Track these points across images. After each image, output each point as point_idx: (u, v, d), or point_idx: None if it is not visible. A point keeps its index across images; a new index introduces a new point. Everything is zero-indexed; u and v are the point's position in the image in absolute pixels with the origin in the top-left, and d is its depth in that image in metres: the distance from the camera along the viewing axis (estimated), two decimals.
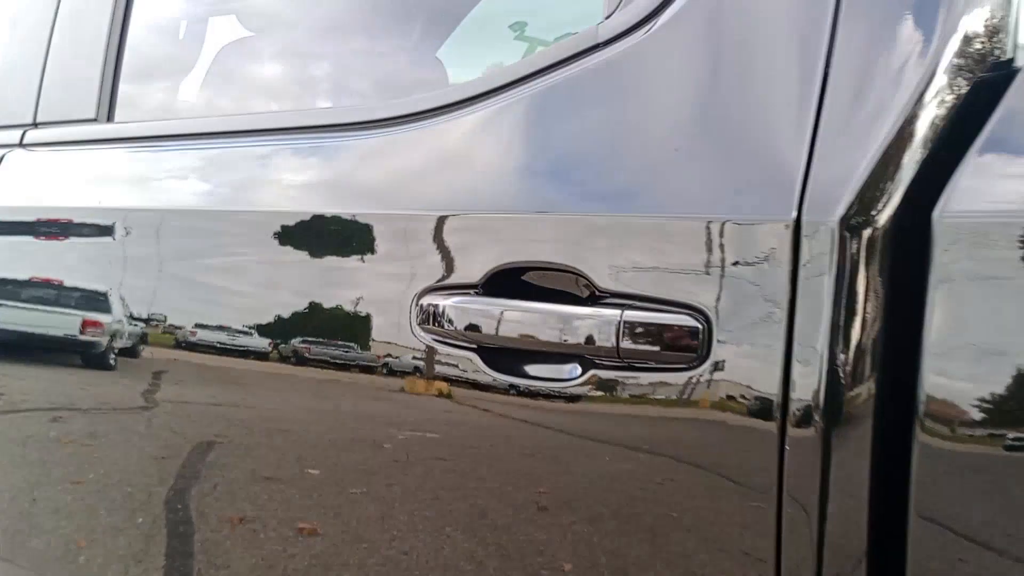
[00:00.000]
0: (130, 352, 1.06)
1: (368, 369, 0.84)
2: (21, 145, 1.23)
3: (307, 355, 0.88)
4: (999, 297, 0.58)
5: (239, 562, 1.00)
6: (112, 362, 1.08)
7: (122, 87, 1.21)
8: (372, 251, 0.85)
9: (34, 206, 1.17)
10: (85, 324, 1.10)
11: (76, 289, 1.14)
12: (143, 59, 1.23)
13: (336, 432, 0.89)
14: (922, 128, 0.62)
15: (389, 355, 0.83)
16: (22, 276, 1.19)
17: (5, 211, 1.18)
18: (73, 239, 1.15)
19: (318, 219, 0.88)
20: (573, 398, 0.73)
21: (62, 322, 1.11)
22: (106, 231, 1.08)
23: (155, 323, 1.03)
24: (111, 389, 1.11)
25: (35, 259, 1.19)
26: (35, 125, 1.24)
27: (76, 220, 1.13)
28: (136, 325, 1.04)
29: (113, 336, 1.06)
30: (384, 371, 0.83)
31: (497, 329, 0.75)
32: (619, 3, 0.77)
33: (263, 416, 0.95)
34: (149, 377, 1.05)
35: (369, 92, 1.12)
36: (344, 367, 0.86)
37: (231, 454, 0.97)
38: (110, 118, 1.18)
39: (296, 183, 0.96)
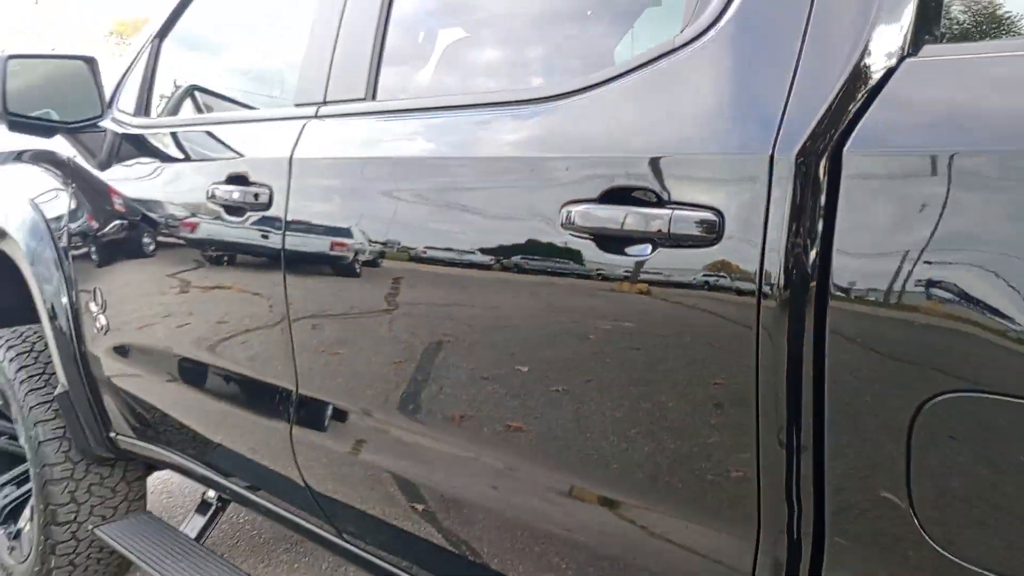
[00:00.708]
0: (373, 263, 1.61)
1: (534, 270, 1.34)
2: (316, 117, 1.82)
3: (508, 262, 1.38)
4: (880, 208, 1.00)
5: (450, 459, 1.51)
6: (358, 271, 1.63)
7: (381, 74, 1.76)
8: (539, 183, 1.34)
9: (326, 157, 1.75)
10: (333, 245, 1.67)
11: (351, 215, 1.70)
12: (396, 54, 1.78)
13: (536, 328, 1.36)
14: (844, 95, 1.04)
15: (537, 253, 1.32)
16: (318, 206, 1.78)
17: (311, 160, 1.77)
18: (348, 180, 1.72)
19: (521, 161, 1.38)
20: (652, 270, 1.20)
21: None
22: (369, 174, 1.65)
23: (395, 242, 1.58)
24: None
25: (324, 195, 1.77)
26: (325, 103, 1.82)
27: (350, 168, 1.70)
28: (377, 244, 1.59)
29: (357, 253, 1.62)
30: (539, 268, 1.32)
31: (606, 224, 1.23)
32: (688, 23, 1.22)
33: (484, 315, 1.45)
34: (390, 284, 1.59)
35: (552, 73, 1.60)
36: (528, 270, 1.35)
37: (456, 353, 1.48)
38: (374, 97, 1.74)
39: (509, 140, 1.45)
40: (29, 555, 2.94)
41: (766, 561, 1.14)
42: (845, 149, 1.02)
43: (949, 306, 0.93)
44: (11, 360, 2.85)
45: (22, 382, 2.81)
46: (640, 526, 1.29)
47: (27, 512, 3.03)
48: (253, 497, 2.21)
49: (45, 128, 2.44)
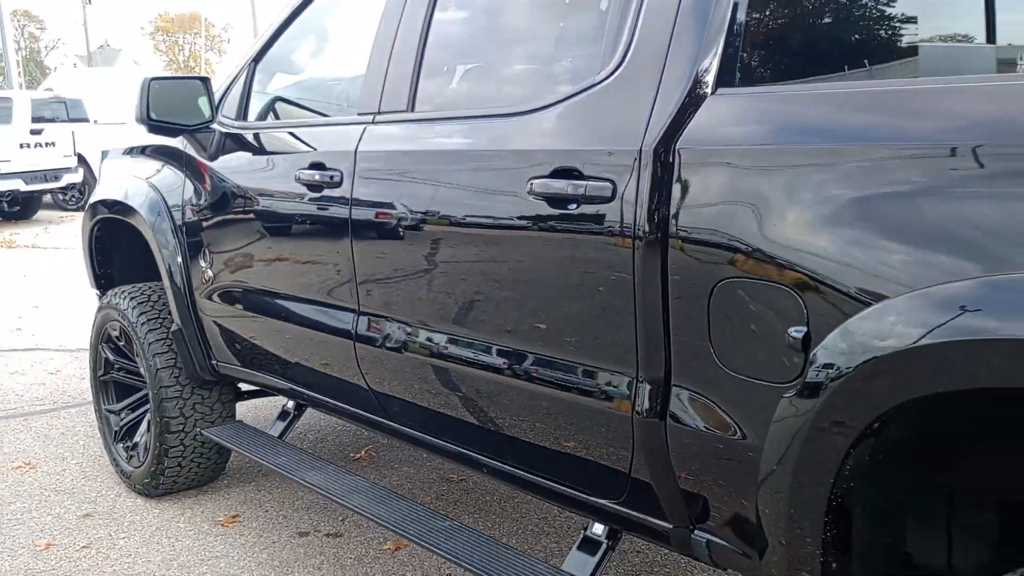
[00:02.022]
0: (410, 223, 2.41)
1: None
2: (373, 123, 2.63)
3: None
4: (694, 178, 1.78)
5: (459, 349, 2.32)
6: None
7: (418, 94, 2.56)
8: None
9: (380, 150, 2.56)
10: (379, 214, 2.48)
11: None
12: (428, 80, 2.58)
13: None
14: (677, 115, 1.83)
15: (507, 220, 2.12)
16: (375, 185, 2.58)
17: (370, 152, 2.58)
18: (394, 166, 2.52)
19: (505, 152, 2.18)
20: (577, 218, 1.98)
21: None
22: (408, 162, 2.45)
23: (423, 208, 2.38)
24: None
25: (379, 177, 2.57)
26: (380, 112, 2.62)
27: (396, 157, 2.51)
28: (414, 211, 2.39)
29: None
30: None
31: (553, 190, 2.02)
32: (600, 70, 2.01)
33: (480, 252, 2.26)
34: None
35: (525, 96, 2.39)
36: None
37: (462, 278, 2.28)
38: (412, 109, 2.54)
39: (498, 138, 2.24)
40: (145, 461, 3.79)
41: (641, 388, 1.93)
42: (676, 145, 1.81)
43: (723, 236, 1.71)
44: (134, 308, 3.71)
45: (143, 324, 3.66)
46: (572, 371, 2.08)
47: (143, 427, 3.89)
48: (322, 398, 3.03)
49: (174, 130, 3.29)
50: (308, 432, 4.64)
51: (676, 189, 1.81)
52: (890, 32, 2.21)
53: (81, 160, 15.34)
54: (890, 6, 2.21)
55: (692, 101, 1.83)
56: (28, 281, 9.54)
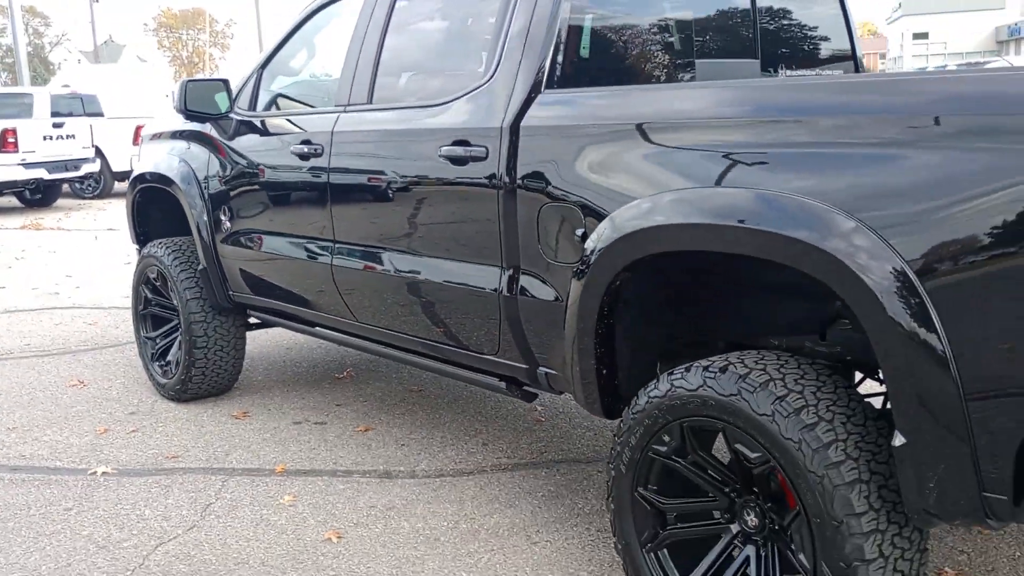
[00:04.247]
0: (369, 182, 3.57)
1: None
2: (345, 112, 3.79)
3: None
4: (529, 145, 2.93)
5: (393, 261, 3.50)
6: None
7: (375, 91, 3.71)
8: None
9: (350, 130, 3.71)
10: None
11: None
12: (382, 81, 3.73)
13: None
14: (523, 105, 2.98)
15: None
16: (347, 156, 3.74)
17: (343, 132, 3.73)
18: (358, 142, 3.68)
19: (427, 130, 3.34)
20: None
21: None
22: (368, 139, 3.61)
23: (376, 170, 3.54)
24: None
25: (350, 150, 3.73)
26: (349, 104, 3.78)
27: (360, 136, 3.66)
28: (371, 173, 3.56)
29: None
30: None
31: (453, 154, 3.18)
32: (484, 75, 3.16)
33: (406, 196, 3.42)
34: None
35: (440, 91, 3.54)
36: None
37: (391, 214, 3.46)
38: (371, 102, 3.70)
39: (423, 120, 3.38)
40: (176, 373, 4.96)
41: (503, 277, 3.08)
42: (520, 124, 2.97)
43: (543, 178, 2.87)
44: (170, 255, 4.88)
45: (176, 266, 4.83)
46: (465, 268, 3.24)
47: (174, 348, 5.06)
48: (308, 311, 4.19)
49: (202, 117, 4.45)
50: (303, 360, 5.81)
51: (519, 152, 2.97)
52: (671, 54, 3.37)
53: (97, 152, 16.53)
54: (673, 36, 3.36)
55: (530, 98, 2.99)
56: (58, 256, 10.71)
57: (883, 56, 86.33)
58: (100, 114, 17.26)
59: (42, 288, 8.70)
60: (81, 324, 7.10)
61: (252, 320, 4.96)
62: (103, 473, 4.08)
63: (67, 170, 15.72)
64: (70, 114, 16.35)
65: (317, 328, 4.29)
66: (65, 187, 17.25)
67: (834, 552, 2.20)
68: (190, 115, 4.39)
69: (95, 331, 6.85)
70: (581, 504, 3.63)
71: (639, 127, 2.65)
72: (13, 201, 16.96)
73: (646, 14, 3.33)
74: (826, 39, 3.84)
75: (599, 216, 2.71)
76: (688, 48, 3.36)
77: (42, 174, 15.23)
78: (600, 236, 2.67)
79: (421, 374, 5.30)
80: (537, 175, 2.92)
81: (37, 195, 16.42)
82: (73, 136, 15.77)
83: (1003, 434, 1.98)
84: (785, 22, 3.70)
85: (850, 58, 3.89)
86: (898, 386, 2.09)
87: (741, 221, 2.31)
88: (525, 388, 3.31)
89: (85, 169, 16.10)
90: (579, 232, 2.79)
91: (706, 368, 2.44)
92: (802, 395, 2.30)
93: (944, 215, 2.00)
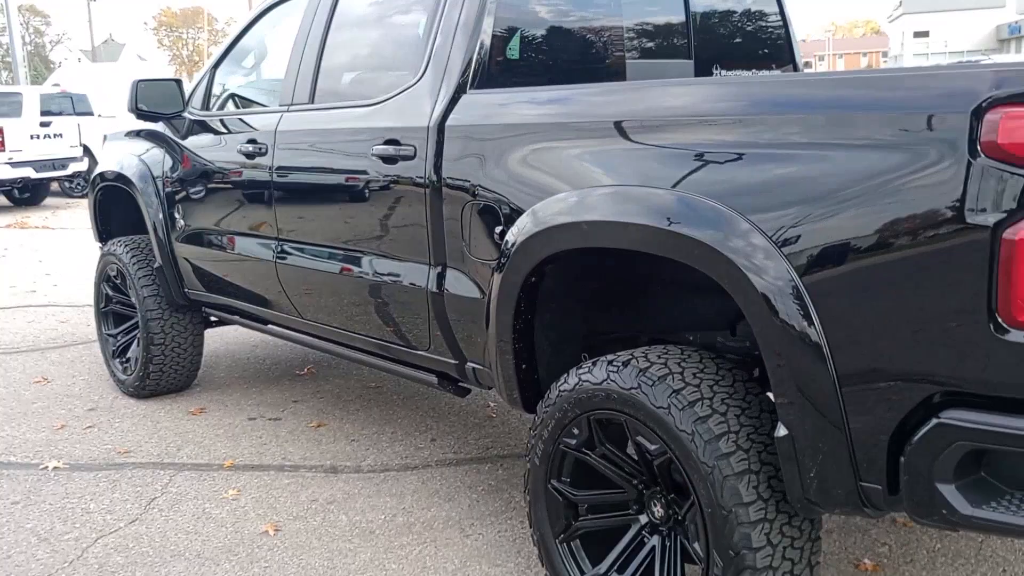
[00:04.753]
0: (308, 179, 3.64)
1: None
2: (288, 111, 3.84)
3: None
4: (452, 143, 2.99)
5: (329, 257, 3.56)
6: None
7: (317, 91, 3.77)
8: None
9: (292, 130, 3.77)
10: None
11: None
12: (324, 83, 3.79)
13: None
14: (448, 106, 3.04)
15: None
16: (288, 154, 3.80)
17: (285, 131, 3.79)
18: (299, 140, 3.74)
19: (361, 129, 3.40)
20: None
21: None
22: (308, 137, 3.67)
23: (314, 166, 3.60)
24: None
25: (290, 148, 3.79)
26: (292, 104, 3.84)
27: (300, 134, 3.72)
28: (310, 170, 3.62)
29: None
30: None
31: (384, 153, 3.24)
32: (412, 78, 3.22)
33: (341, 192, 3.48)
34: None
35: (374, 92, 3.59)
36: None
37: (326, 210, 3.52)
38: (313, 102, 3.76)
39: (357, 119, 3.45)
40: (135, 370, 5.02)
41: (432, 274, 3.14)
42: (445, 124, 3.02)
43: (466, 177, 2.92)
44: (128, 253, 4.94)
45: (134, 264, 4.88)
46: (397, 265, 3.29)
47: (134, 345, 5.11)
48: (256, 308, 4.25)
49: (155, 117, 4.51)
50: (267, 357, 5.87)
51: (445, 151, 3.03)
52: (602, 55, 3.42)
53: (86, 151, 16.58)
54: (604, 38, 3.41)
55: (454, 99, 3.05)
56: (40, 255, 10.76)
57: (885, 54, 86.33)
58: (90, 113, 17.31)
59: (20, 286, 8.76)
60: (54, 322, 7.16)
61: (213, 318, 5.02)
62: (54, 468, 4.14)
63: (55, 169, 15.77)
64: (60, 113, 16.41)
65: (269, 326, 4.35)
66: (54, 186, 17.30)
67: (723, 540, 2.26)
68: (141, 115, 4.45)
69: (66, 328, 6.91)
70: (518, 498, 3.68)
71: (551, 127, 2.71)
72: (2, 200, 17.01)
73: (576, 16, 3.38)
74: (764, 39, 3.90)
75: (517, 213, 2.77)
76: (619, 49, 3.42)
77: (29, 173, 15.29)
78: (516, 233, 2.73)
79: (380, 371, 5.35)
80: (461, 173, 2.98)
81: (25, 194, 16.48)
82: (61, 135, 15.83)
83: (876, 425, 2.04)
84: (721, 23, 3.76)
85: (789, 58, 3.94)
86: (779, 378, 2.15)
87: (636, 219, 2.37)
88: (459, 384, 3.37)
89: (73, 168, 16.15)
90: (498, 229, 2.84)
91: (610, 362, 2.50)
92: (698, 389, 2.36)
93: (820, 215, 2.07)
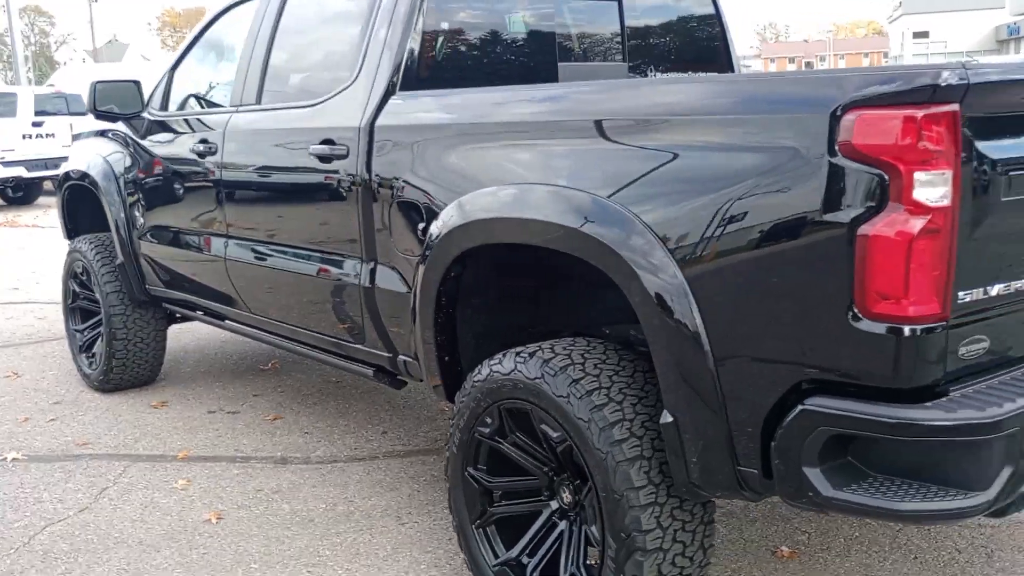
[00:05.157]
0: (253, 176, 3.74)
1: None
2: (237, 112, 3.95)
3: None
4: (383, 143, 3.09)
5: (273, 253, 3.67)
6: None
7: (263, 93, 3.88)
8: None
9: (240, 129, 3.88)
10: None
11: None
12: (270, 84, 3.89)
13: None
14: (378, 108, 3.14)
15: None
16: (236, 153, 3.91)
17: (233, 131, 3.89)
18: (246, 139, 3.84)
19: (299, 129, 3.51)
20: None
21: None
22: (255, 136, 3.77)
23: (258, 164, 3.70)
24: None
25: (239, 147, 3.89)
26: (241, 105, 3.94)
27: (247, 133, 3.82)
28: (256, 168, 3.73)
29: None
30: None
31: (321, 153, 3.34)
32: (348, 79, 3.33)
33: (279, 187, 3.59)
34: None
35: (312, 93, 3.70)
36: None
37: (270, 207, 3.63)
38: (259, 103, 3.86)
39: (297, 119, 3.56)
40: (99, 364, 5.12)
41: (364, 269, 3.24)
42: (375, 125, 3.13)
43: (392, 175, 3.03)
44: (92, 250, 5.04)
45: (98, 261, 4.99)
46: (333, 260, 3.39)
47: (100, 341, 5.22)
48: (210, 303, 4.35)
49: (113, 116, 4.62)
50: (235, 352, 5.98)
51: (375, 150, 3.13)
52: (533, 57, 3.52)
53: None
54: (536, 40, 3.51)
55: (384, 100, 3.15)
56: (26, 253, 10.88)
57: (886, 55, 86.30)
58: (85, 113, 17.43)
59: (3, 284, 8.88)
60: (32, 319, 7.27)
61: (177, 315, 5.11)
62: (13, 459, 4.25)
63: (47, 168, 15.88)
64: (56, 113, 16.52)
65: (227, 321, 4.45)
66: (47, 185, 17.42)
67: (616, 523, 2.36)
68: (99, 115, 4.55)
69: (43, 325, 7.02)
70: None
71: (463, 128, 2.82)
72: None
73: (507, 19, 3.48)
74: (700, 41, 4.00)
75: (438, 211, 2.87)
76: (551, 51, 3.52)
77: (21, 172, 15.43)
78: (435, 231, 2.83)
79: None
80: (388, 172, 3.08)
81: (18, 193, 16.61)
82: (53, 135, 15.96)
83: (751, 412, 2.14)
84: (655, 25, 3.86)
85: (725, 59, 4.04)
86: (663, 366, 2.25)
87: (533, 215, 2.47)
88: (396, 376, 3.47)
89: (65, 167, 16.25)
90: (421, 226, 2.95)
91: (518, 354, 2.60)
92: (597, 379, 2.45)
93: (700, 212, 2.17)
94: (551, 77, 3.50)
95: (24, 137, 15.53)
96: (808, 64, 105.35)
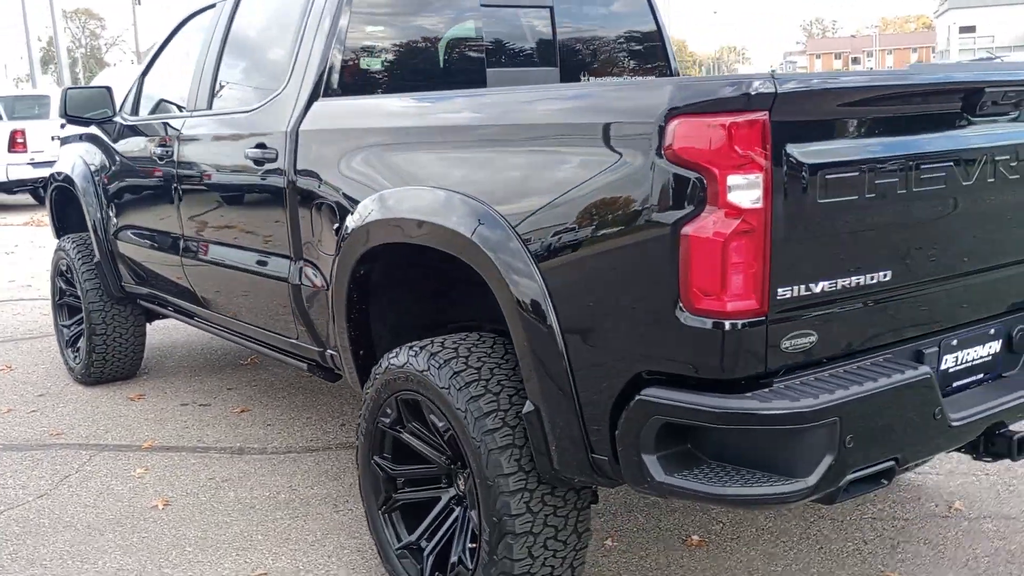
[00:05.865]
0: (203, 177, 3.92)
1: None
2: (191, 116, 4.13)
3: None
4: (310, 143, 3.25)
5: (221, 254, 3.84)
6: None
7: (214, 101, 4.05)
8: None
9: (191, 134, 4.06)
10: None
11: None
12: (219, 91, 4.07)
13: None
14: (303, 113, 3.29)
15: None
16: (189, 154, 4.09)
17: (187, 135, 4.08)
18: (197, 144, 4.02)
19: (239, 135, 3.68)
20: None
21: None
22: (204, 141, 3.95)
23: (209, 164, 3.88)
24: None
25: (191, 149, 4.08)
26: (195, 110, 4.13)
27: (198, 138, 4.00)
28: (205, 168, 3.90)
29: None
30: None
31: (256, 157, 3.50)
32: (279, 86, 3.48)
33: (223, 187, 3.76)
34: None
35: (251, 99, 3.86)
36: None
37: (217, 206, 3.81)
38: (210, 108, 4.04)
39: (237, 125, 3.73)
40: (82, 358, 5.35)
41: (293, 267, 3.40)
42: (299, 129, 3.28)
43: (314, 176, 3.18)
44: (74, 249, 5.27)
45: (78, 259, 5.21)
46: (267, 259, 3.56)
47: (82, 337, 5.44)
48: (173, 299, 4.54)
49: (85, 121, 4.83)
50: (220, 348, 6.18)
51: (299, 153, 3.29)
52: (459, 63, 3.65)
53: None
54: (463, 47, 3.64)
55: (308, 106, 3.31)
56: (45, 252, 11.21)
57: (933, 50, 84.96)
58: None
59: (19, 281, 9.20)
60: (37, 315, 7.54)
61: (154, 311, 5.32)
62: None
63: None
64: None
65: (195, 318, 4.64)
66: None
67: (489, 508, 2.49)
68: (71, 120, 4.77)
69: (45, 321, 7.27)
70: None
71: (372, 131, 2.97)
72: (27, 198, 17.62)
73: (432, 26, 3.62)
74: (636, 45, 4.10)
75: (350, 210, 3.02)
76: (479, 57, 3.65)
77: None
78: (345, 229, 2.98)
79: None
80: (310, 173, 3.24)
81: None
82: None
83: (599, 401, 2.26)
84: (588, 28, 3.97)
85: (663, 60, 4.13)
86: (523, 357, 2.38)
87: (413, 216, 2.62)
88: (330, 370, 3.62)
89: None
90: (335, 225, 3.10)
91: (411, 347, 2.74)
92: (477, 371, 2.58)
93: (553, 213, 2.30)
94: (479, 83, 3.63)
95: (53, 138, 15.93)
96: (855, 60, 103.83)
